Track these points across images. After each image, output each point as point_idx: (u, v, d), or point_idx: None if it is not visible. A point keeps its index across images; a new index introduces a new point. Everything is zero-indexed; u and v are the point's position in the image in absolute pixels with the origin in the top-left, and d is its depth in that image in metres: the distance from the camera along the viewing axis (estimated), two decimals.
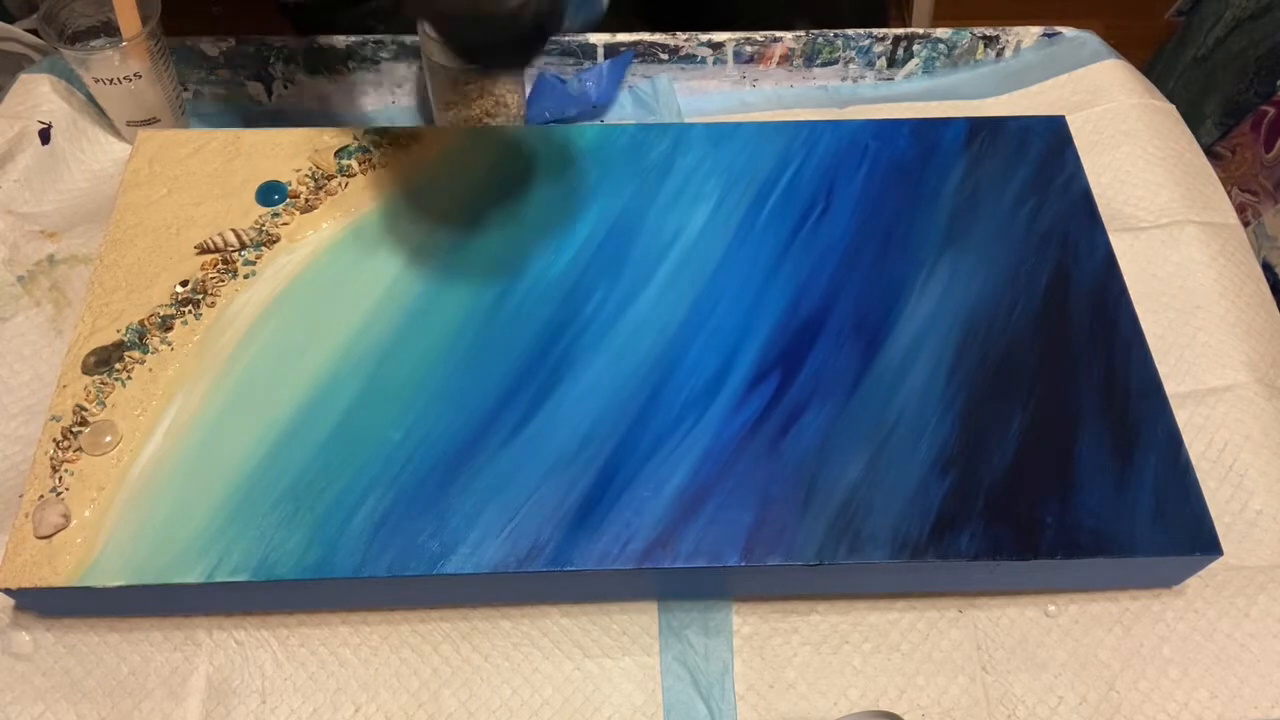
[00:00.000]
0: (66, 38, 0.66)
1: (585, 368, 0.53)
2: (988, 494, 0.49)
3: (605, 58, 0.74)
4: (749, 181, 0.61)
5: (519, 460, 0.50)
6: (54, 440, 0.50)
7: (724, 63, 0.75)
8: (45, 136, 0.68)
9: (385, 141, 0.62)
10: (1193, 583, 0.52)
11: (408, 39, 0.73)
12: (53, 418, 0.51)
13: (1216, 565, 0.51)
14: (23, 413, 0.57)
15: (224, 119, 0.73)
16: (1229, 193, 0.69)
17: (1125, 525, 0.49)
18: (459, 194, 0.60)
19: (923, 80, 0.76)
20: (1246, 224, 0.94)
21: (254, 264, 0.57)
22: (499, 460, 0.50)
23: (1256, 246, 0.92)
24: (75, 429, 0.50)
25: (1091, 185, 0.62)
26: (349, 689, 0.49)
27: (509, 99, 0.67)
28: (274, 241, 0.58)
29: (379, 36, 0.73)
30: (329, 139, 0.62)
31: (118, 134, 0.70)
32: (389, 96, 0.74)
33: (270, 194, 0.59)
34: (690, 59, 0.74)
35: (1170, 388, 0.55)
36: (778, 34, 0.74)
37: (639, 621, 0.51)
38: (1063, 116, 0.65)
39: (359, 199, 0.60)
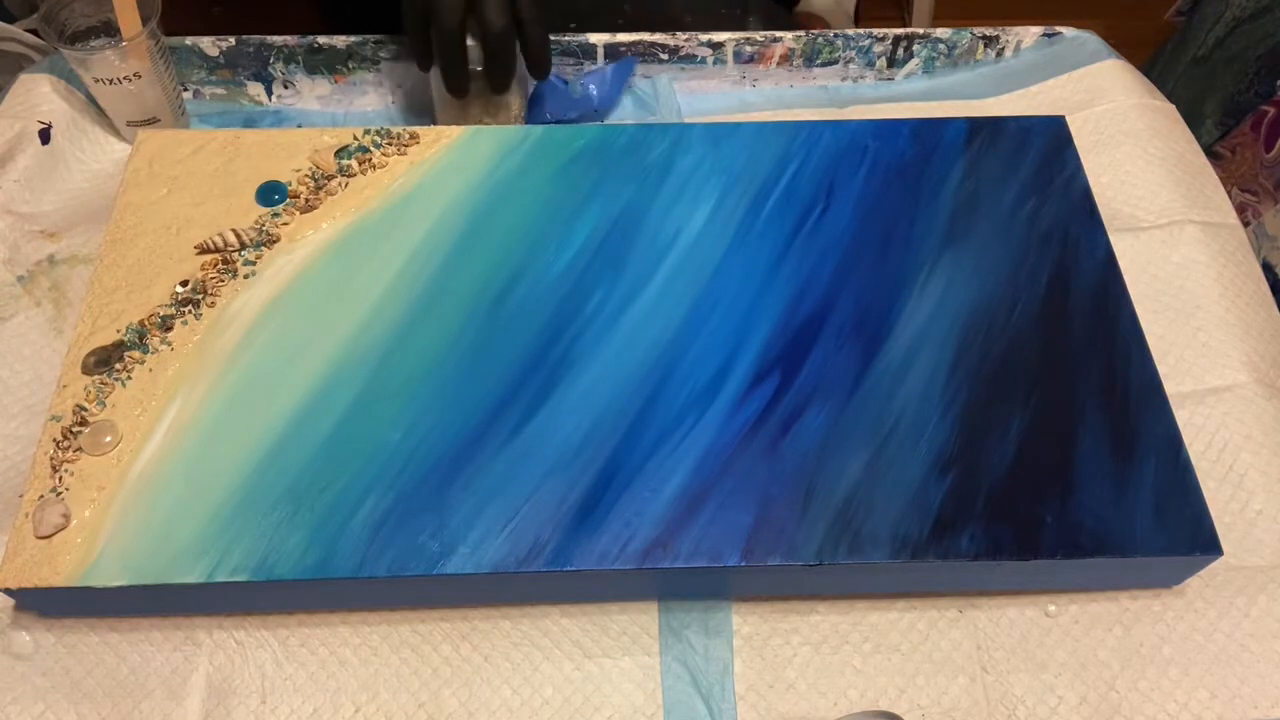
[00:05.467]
0: (66, 38, 0.66)
1: (585, 368, 0.53)
2: (988, 494, 0.49)
3: (605, 58, 0.74)
4: (749, 181, 0.61)
5: (519, 460, 0.50)
6: (54, 440, 0.50)
7: (724, 63, 0.75)
8: (45, 136, 0.68)
9: (385, 141, 0.62)
10: (1193, 583, 0.52)
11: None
12: (53, 418, 0.51)
13: (1216, 565, 0.51)
14: (23, 413, 0.57)
15: (224, 119, 0.73)
16: (1229, 193, 0.69)
17: (1125, 525, 0.49)
18: (459, 194, 0.60)
19: (923, 80, 0.76)
20: (1246, 224, 0.94)
21: (254, 264, 0.57)
22: (499, 460, 0.50)
23: (1256, 246, 0.92)
24: (75, 429, 0.50)
25: (1091, 185, 0.62)
26: (349, 689, 0.49)
27: (510, 101, 0.67)
28: (274, 241, 0.58)
29: (379, 36, 0.73)
30: (329, 139, 0.62)
31: (118, 134, 0.70)
32: (389, 96, 0.74)
33: (270, 194, 0.59)
34: (690, 59, 0.74)
35: (1170, 388, 0.55)
36: (778, 34, 0.74)
37: (639, 621, 0.51)
38: (1063, 116, 0.65)
39: (359, 199, 0.60)
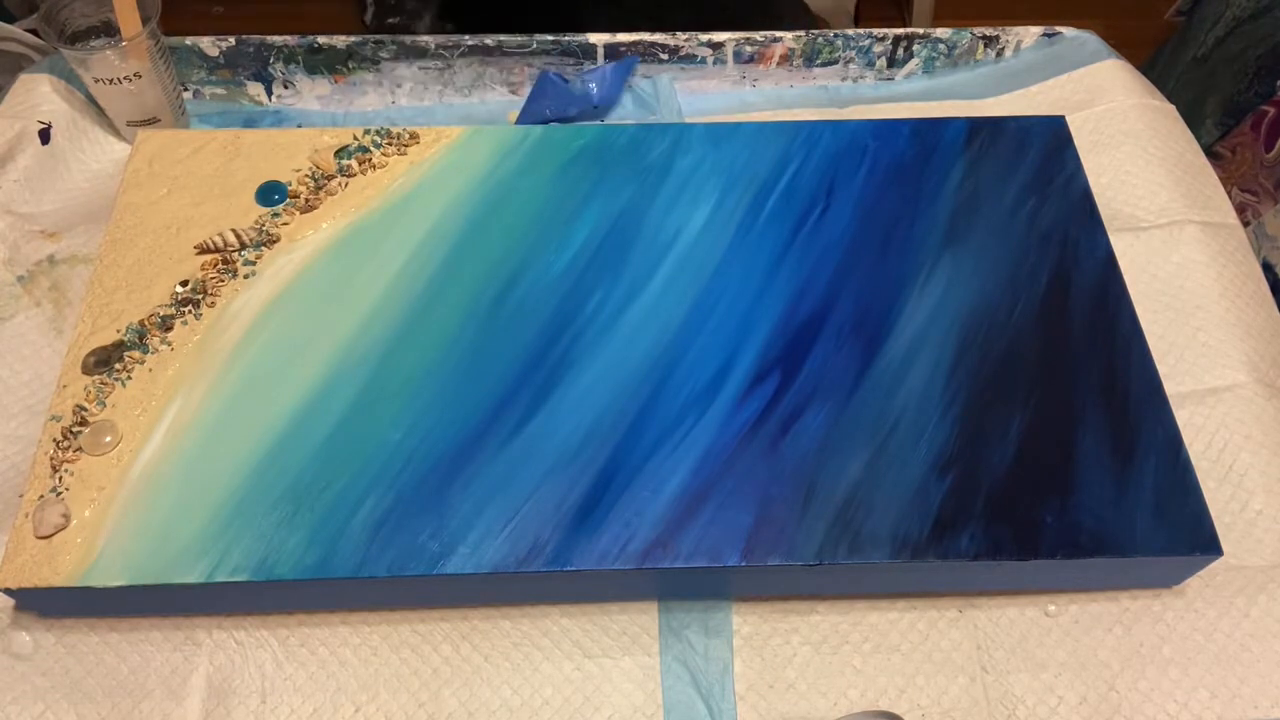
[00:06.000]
0: (66, 38, 0.66)
1: (585, 367, 0.53)
2: (988, 494, 0.49)
3: (605, 58, 0.74)
4: (749, 181, 0.61)
5: (519, 460, 0.50)
6: (54, 440, 0.50)
7: (724, 63, 0.75)
8: (45, 136, 0.68)
9: (385, 141, 0.62)
10: (1193, 583, 0.52)
11: (407, 39, 0.73)
12: (53, 418, 0.51)
13: (1216, 565, 0.51)
14: (23, 413, 0.57)
15: (224, 119, 0.73)
16: (1229, 193, 0.69)
17: (1125, 525, 0.49)
18: (459, 194, 0.60)
19: (923, 80, 0.76)
20: (1246, 224, 0.94)
21: (254, 264, 0.57)
22: (499, 460, 0.50)
23: (1256, 246, 0.92)
24: (75, 429, 0.50)
25: (1091, 185, 0.62)
26: (349, 689, 0.49)
27: None
28: (274, 241, 0.58)
29: (379, 36, 0.73)
30: (329, 139, 0.62)
31: (118, 134, 0.70)
32: (389, 96, 0.74)
33: (270, 194, 0.59)
34: (690, 59, 0.74)
35: (1170, 388, 0.55)
36: (778, 34, 0.74)
37: (639, 621, 0.51)
38: (1063, 116, 0.65)
39: (359, 199, 0.60)
